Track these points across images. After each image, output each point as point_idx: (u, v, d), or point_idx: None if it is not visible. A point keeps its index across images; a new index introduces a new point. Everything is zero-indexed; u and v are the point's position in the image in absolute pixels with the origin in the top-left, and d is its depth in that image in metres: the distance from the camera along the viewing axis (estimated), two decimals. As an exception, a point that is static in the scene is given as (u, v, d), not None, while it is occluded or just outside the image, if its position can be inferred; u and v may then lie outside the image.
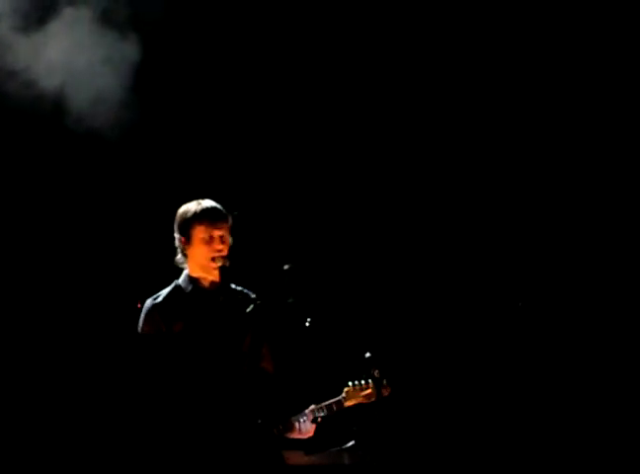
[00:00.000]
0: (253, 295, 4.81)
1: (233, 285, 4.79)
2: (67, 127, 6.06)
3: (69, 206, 6.36)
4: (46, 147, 6.28)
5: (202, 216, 4.69)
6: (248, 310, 4.70)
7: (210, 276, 4.71)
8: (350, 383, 4.81)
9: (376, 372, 4.74)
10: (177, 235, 4.75)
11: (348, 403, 4.79)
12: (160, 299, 4.71)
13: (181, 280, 4.76)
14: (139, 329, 4.71)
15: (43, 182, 6.30)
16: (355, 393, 4.80)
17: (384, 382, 4.75)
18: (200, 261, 4.70)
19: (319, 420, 4.78)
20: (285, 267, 4.75)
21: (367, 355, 4.80)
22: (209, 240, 4.67)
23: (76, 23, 5.96)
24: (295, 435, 4.74)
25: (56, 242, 6.33)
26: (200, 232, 4.68)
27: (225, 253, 4.69)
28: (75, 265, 6.38)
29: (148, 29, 6.14)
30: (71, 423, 6.09)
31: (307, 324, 4.77)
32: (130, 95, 6.04)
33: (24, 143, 6.26)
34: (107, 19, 6.02)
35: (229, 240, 4.72)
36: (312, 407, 4.77)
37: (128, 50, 6.02)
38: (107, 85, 5.98)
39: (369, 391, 4.78)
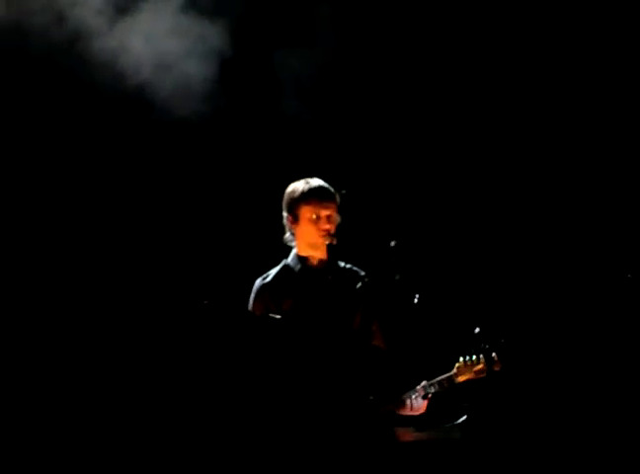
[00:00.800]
0: (362, 273, 4.83)
1: (342, 263, 4.81)
2: (153, 118, 6.14)
3: (163, 196, 6.45)
4: (133, 138, 6.35)
5: (310, 196, 4.71)
6: (357, 287, 4.72)
7: (319, 254, 4.74)
8: (461, 359, 4.78)
9: (487, 347, 4.71)
10: (285, 214, 4.79)
11: (459, 379, 4.77)
12: (269, 279, 4.76)
13: (289, 260, 4.79)
14: (249, 308, 4.75)
15: (130, 171, 6.38)
16: (466, 369, 4.77)
17: (495, 357, 4.71)
18: (307, 239, 4.73)
19: (429, 396, 4.77)
20: (392, 243, 4.74)
21: (477, 330, 4.77)
22: (316, 219, 4.69)
23: (161, 11, 6.04)
24: (407, 412, 4.74)
25: (151, 228, 6.42)
26: (307, 212, 4.71)
27: (333, 232, 4.70)
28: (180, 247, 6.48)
29: (234, 16, 6.18)
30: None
31: (415, 300, 4.75)
32: (216, 85, 6.09)
33: (111, 133, 6.34)
34: (192, 6, 6.08)
35: (337, 219, 4.73)
36: (423, 383, 4.76)
37: (214, 39, 6.07)
38: (193, 74, 6.04)
39: (481, 366, 4.74)
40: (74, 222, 6.31)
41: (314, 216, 4.69)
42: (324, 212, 4.69)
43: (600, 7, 6.45)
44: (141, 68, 5.99)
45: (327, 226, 4.69)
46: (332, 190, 4.75)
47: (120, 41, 5.98)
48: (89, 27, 5.96)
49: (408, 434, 5.00)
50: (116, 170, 6.35)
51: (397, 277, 4.71)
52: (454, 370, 4.79)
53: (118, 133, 6.32)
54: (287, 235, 4.81)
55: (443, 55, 6.57)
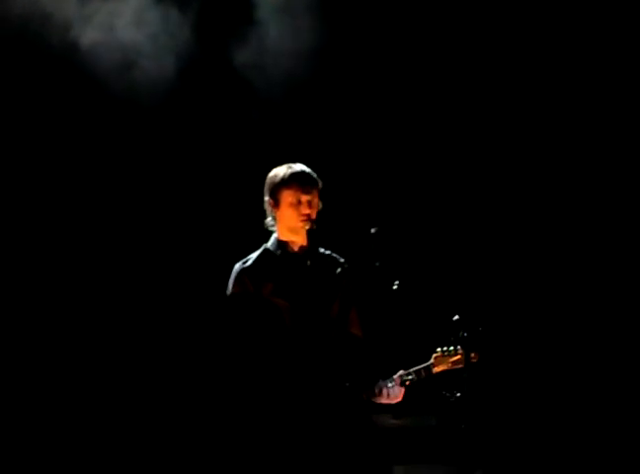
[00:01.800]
0: (341, 259, 4.82)
1: (321, 249, 4.79)
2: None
3: (144, 180, 6.44)
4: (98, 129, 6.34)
5: (291, 180, 4.68)
6: (336, 273, 4.71)
7: (299, 239, 4.72)
8: (439, 349, 4.78)
9: (465, 336, 4.71)
10: (266, 198, 4.76)
11: (436, 369, 4.76)
12: (249, 263, 4.73)
13: (270, 244, 4.77)
14: (228, 292, 4.74)
15: (101, 162, 6.37)
16: (443, 359, 4.76)
17: (472, 348, 4.72)
18: (288, 223, 4.71)
19: (407, 383, 4.77)
20: (372, 230, 4.73)
21: (456, 317, 4.77)
22: (297, 204, 4.67)
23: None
24: (384, 400, 4.72)
25: (130, 213, 6.42)
26: (288, 196, 4.68)
27: (313, 217, 4.68)
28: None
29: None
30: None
31: (395, 287, 4.75)
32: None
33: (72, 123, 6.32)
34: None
35: (318, 204, 4.71)
36: (401, 372, 4.75)
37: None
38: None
39: (458, 357, 4.75)
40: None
41: (295, 201, 4.67)
42: (305, 197, 4.67)
43: (600, 7, 6.45)
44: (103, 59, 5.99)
45: (308, 211, 4.67)
46: (314, 175, 4.73)
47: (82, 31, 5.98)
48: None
49: (385, 421, 5.01)
50: (85, 161, 6.34)
51: (377, 264, 4.70)
52: (432, 360, 4.78)
53: (79, 123, 6.31)
54: (268, 219, 4.79)
55: (421, 42, 6.56)
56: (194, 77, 6.31)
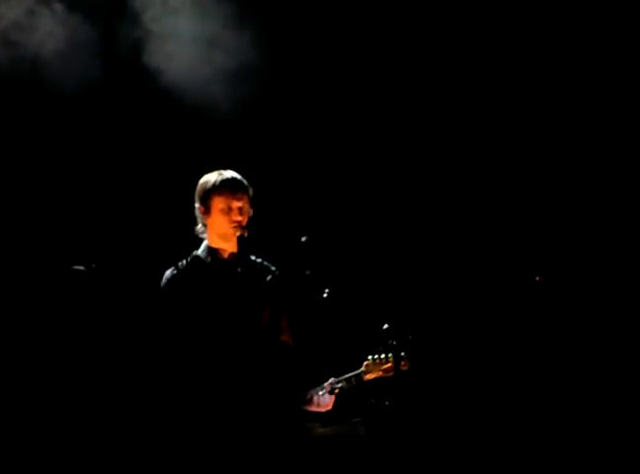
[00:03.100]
0: (272, 267, 4.81)
1: (252, 257, 4.78)
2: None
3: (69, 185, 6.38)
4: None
5: (222, 187, 4.67)
6: (267, 280, 4.70)
7: (229, 246, 4.70)
8: (369, 357, 4.79)
9: (395, 344, 4.72)
10: (197, 205, 4.74)
11: (367, 377, 4.77)
12: (179, 269, 4.69)
13: (200, 251, 4.75)
14: (158, 298, 4.70)
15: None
16: (374, 367, 4.77)
17: (403, 356, 4.74)
18: (218, 230, 4.68)
19: (336, 391, 4.76)
20: (303, 239, 4.74)
21: (385, 326, 4.78)
22: (228, 210, 4.65)
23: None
24: (314, 408, 4.74)
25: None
26: (219, 202, 4.67)
27: (244, 224, 4.67)
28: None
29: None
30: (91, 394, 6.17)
31: (325, 295, 4.75)
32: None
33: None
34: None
35: (249, 211, 4.70)
36: (331, 380, 4.76)
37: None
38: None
39: (389, 365, 4.76)
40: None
41: (226, 207, 4.66)
42: (236, 204, 4.66)
43: (600, 7, 6.51)
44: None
45: (238, 218, 4.66)
46: (245, 182, 4.73)
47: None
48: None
49: (315, 430, 5.01)
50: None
51: (308, 272, 4.70)
52: (363, 368, 4.79)
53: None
54: (199, 226, 4.77)
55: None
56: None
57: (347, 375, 4.78)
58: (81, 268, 6.01)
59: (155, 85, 6.14)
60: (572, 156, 6.64)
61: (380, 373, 4.77)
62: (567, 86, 6.64)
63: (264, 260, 4.82)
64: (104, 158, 6.36)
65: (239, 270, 4.70)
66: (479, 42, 6.65)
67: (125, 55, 6.20)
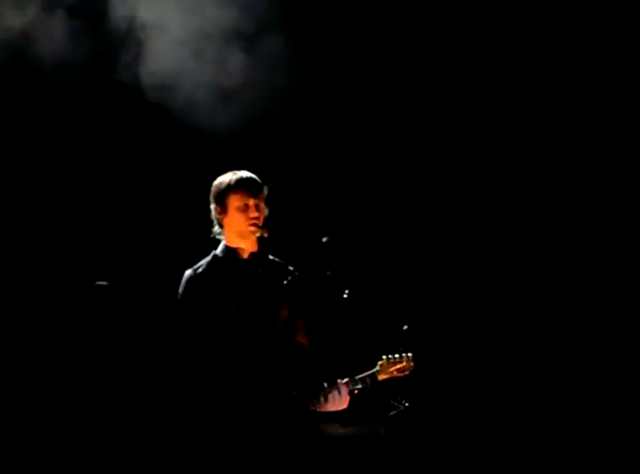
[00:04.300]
0: (291, 268, 4.83)
1: (271, 257, 4.81)
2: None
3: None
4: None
5: (238, 185, 4.72)
6: (285, 282, 4.72)
7: (248, 245, 4.73)
8: (384, 357, 4.81)
9: (411, 345, 4.74)
10: (213, 205, 4.78)
11: (381, 377, 4.79)
12: (200, 270, 4.73)
13: (218, 251, 4.78)
14: (178, 298, 4.73)
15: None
16: (388, 367, 4.79)
17: (410, 357, 4.76)
18: (236, 228, 4.72)
19: (355, 392, 4.77)
20: (324, 239, 4.75)
21: (405, 327, 4.79)
22: (245, 208, 4.70)
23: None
24: (329, 408, 4.73)
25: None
26: (235, 201, 4.71)
27: (261, 221, 4.70)
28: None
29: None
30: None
31: (345, 296, 4.76)
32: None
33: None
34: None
35: (264, 210, 4.74)
36: (346, 380, 4.77)
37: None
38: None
39: (403, 365, 4.77)
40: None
41: (243, 205, 4.70)
42: (252, 201, 4.71)
43: (600, 7, 6.50)
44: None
45: (255, 214, 4.70)
46: (259, 180, 4.77)
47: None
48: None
49: (332, 430, 5.01)
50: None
51: (328, 273, 4.71)
52: (377, 368, 4.80)
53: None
54: (216, 228, 4.81)
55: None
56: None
57: (361, 375, 4.79)
58: (104, 283, 6.08)
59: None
60: (572, 156, 6.62)
61: (395, 373, 4.79)
62: (567, 86, 6.61)
63: (283, 260, 4.84)
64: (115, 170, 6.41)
65: (259, 269, 4.73)
66: (495, 45, 6.66)
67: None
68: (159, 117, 6.26)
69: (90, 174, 6.33)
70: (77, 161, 6.32)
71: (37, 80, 6.08)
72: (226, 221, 4.75)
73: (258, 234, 4.70)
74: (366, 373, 4.79)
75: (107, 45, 6.12)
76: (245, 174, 4.77)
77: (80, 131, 6.33)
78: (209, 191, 4.80)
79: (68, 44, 6.00)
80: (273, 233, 4.76)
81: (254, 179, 4.77)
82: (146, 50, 6.01)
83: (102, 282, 5.99)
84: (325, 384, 4.72)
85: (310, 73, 6.46)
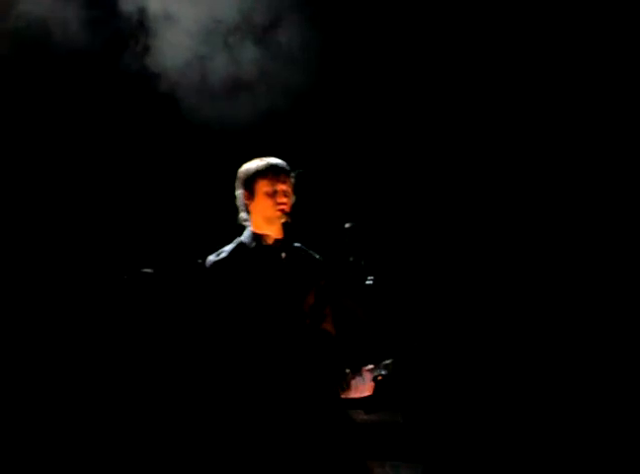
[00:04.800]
0: (316, 256, 4.82)
1: (297, 244, 4.80)
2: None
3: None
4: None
5: (266, 171, 4.71)
6: (313, 269, 4.71)
7: (274, 231, 4.73)
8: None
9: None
10: (240, 191, 4.77)
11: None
12: (223, 255, 4.72)
13: (244, 237, 4.77)
14: (202, 285, 4.73)
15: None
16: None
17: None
18: (264, 213, 4.71)
19: (379, 378, 4.77)
20: (347, 225, 4.74)
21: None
22: (273, 193, 4.69)
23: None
24: (353, 395, 4.73)
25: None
26: (263, 186, 4.70)
27: (288, 207, 4.70)
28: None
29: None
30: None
31: (369, 283, 4.76)
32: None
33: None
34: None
35: (292, 196, 4.73)
36: (370, 366, 4.76)
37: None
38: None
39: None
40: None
41: (271, 190, 4.69)
42: (281, 187, 4.70)
43: (600, 7, 6.48)
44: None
45: (284, 199, 4.69)
46: (288, 167, 4.75)
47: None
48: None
49: (356, 417, 5.02)
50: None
51: (351, 259, 4.71)
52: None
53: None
54: (242, 214, 4.80)
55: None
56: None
57: (386, 362, 4.79)
58: (149, 270, 6.09)
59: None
60: (572, 156, 6.61)
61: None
62: (567, 86, 6.60)
63: (309, 248, 4.84)
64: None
65: (283, 255, 4.72)
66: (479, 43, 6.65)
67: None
68: (173, 107, 6.28)
69: (117, 164, 6.35)
70: (98, 150, 6.34)
71: (48, 68, 6.08)
72: (253, 207, 4.74)
73: (283, 220, 4.69)
74: (390, 360, 4.78)
75: (118, 36, 6.12)
76: (274, 160, 4.77)
77: (94, 121, 6.34)
78: (233, 180, 4.79)
79: (80, 34, 6.00)
80: (297, 220, 4.75)
81: (283, 165, 4.76)
82: (157, 41, 6.01)
83: (147, 270, 6.00)
84: (348, 371, 4.72)
85: (330, 63, 6.46)
